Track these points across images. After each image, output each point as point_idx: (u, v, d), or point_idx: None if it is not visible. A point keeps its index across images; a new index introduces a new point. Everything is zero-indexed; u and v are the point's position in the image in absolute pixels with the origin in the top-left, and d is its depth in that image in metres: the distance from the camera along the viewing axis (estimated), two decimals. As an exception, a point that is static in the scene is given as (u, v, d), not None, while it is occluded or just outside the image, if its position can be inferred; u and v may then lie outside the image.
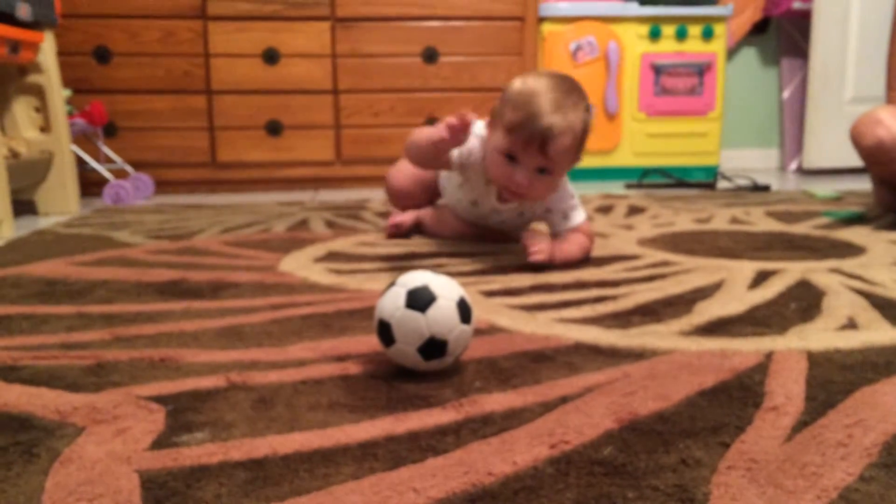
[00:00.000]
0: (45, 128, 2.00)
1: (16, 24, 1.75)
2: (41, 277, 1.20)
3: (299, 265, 1.28)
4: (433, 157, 1.26)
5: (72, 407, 0.67)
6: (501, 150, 1.20)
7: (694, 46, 2.66)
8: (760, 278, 1.15)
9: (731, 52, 3.07)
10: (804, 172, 2.95)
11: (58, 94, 1.98)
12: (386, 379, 0.74)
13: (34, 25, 1.86)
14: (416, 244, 1.45)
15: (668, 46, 2.65)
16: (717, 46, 2.67)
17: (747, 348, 0.82)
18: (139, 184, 2.29)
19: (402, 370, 0.76)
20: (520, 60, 2.55)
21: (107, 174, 2.21)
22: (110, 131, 2.36)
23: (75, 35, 2.30)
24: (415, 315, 0.72)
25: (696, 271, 1.21)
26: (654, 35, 2.62)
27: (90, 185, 2.27)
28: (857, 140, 1.64)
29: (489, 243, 1.43)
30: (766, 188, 2.36)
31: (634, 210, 1.92)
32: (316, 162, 2.51)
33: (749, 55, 3.12)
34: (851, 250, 1.36)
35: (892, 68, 1.71)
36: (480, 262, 1.28)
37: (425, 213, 1.54)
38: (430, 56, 2.49)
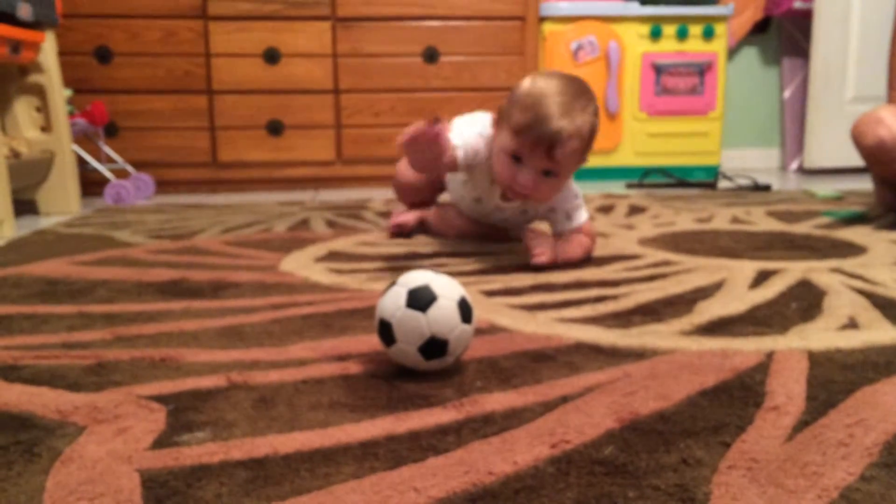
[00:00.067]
0: (46, 127, 2.00)
1: (17, 24, 1.76)
2: (42, 277, 1.20)
3: (300, 265, 1.28)
4: (431, 165, 1.24)
5: (73, 406, 0.67)
6: (508, 150, 1.19)
7: (695, 46, 2.65)
8: (761, 278, 1.15)
9: (732, 52, 3.07)
10: (805, 172, 2.95)
11: (59, 94, 1.98)
12: (387, 378, 0.74)
13: (35, 25, 1.86)
14: (417, 244, 1.45)
15: (668, 46, 2.64)
16: (718, 46, 2.67)
17: (748, 348, 0.82)
18: (140, 184, 2.30)
19: (402, 370, 0.76)
20: (520, 60, 2.55)
21: (108, 174, 2.21)
22: (111, 131, 2.37)
23: (76, 35, 2.31)
24: (415, 315, 0.72)
25: (697, 271, 1.20)
26: (655, 35, 2.62)
27: (91, 184, 2.27)
28: (858, 139, 1.64)
29: (491, 243, 1.44)
30: (766, 188, 2.36)
31: (635, 210, 1.92)
32: (317, 162, 2.51)
33: (750, 55, 3.12)
34: (852, 250, 1.36)
35: (893, 68, 1.70)
36: (481, 262, 1.28)
37: (428, 213, 1.54)
38: (431, 56, 2.49)
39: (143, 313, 0.99)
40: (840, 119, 2.76)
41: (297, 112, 2.45)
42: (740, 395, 0.69)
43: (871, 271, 1.18)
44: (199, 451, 0.59)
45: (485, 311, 0.96)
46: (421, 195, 1.56)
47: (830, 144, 2.84)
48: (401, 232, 1.52)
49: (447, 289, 0.74)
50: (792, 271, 1.19)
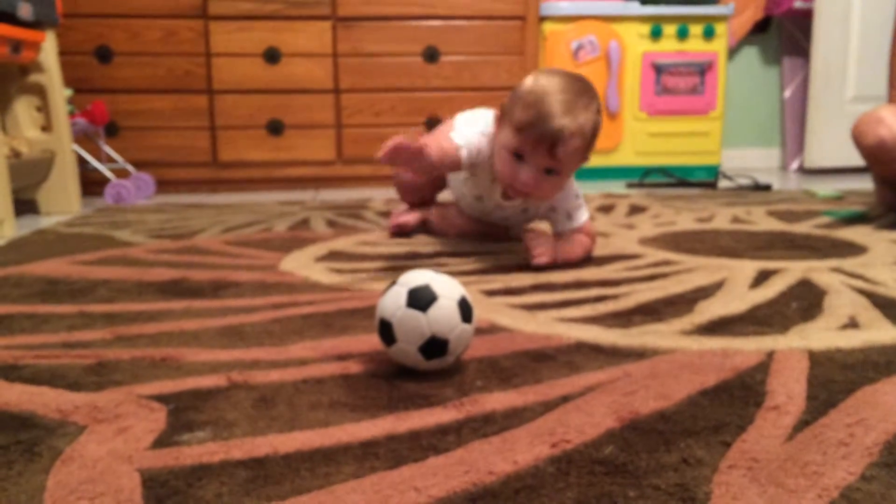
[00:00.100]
0: (46, 127, 2.00)
1: (17, 23, 1.76)
2: (43, 277, 1.20)
3: (300, 264, 1.28)
4: (432, 171, 1.24)
5: (73, 406, 0.67)
6: (509, 148, 1.18)
7: (695, 46, 2.65)
8: (762, 277, 1.15)
9: (733, 52, 3.07)
10: (805, 172, 2.95)
11: (59, 94, 1.98)
12: (387, 378, 0.74)
13: (36, 25, 1.86)
14: (418, 243, 1.45)
15: (669, 46, 2.64)
16: (719, 46, 2.67)
17: (748, 347, 0.82)
18: (140, 183, 2.30)
19: (403, 369, 0.76)
20: (521, 60, 2.55)
21: (108, 173, 2.21)
22: (112, 131, 2.37)
23: (77, 34, 2.31)
24: (416, 314, 0.72)
25: (698, 270, 1.20)
26: (656, 34, 2.62)
27: (91, 184, 2.27)
28: (858, 139, 1.64)
29: (491, 242, 1.44)
30: (767, 187, 2.36)
31: (636, 209, 1.92)
32: (317, 161, 2.51)
33: (750, 54, 3.12)
34: (853, 250, 1.36)
35: (894, 67, 1.70)
36: (481, 262, 1.28)
37: (429, 213, 1.55)
38: (432, 55, 2.49)
39: (144, 313, 0.99)
40: (840, 119, 2.76)
41: (297, 112, 2.45)
42: (741, 395, 0.69)
43: (871, 271, 1.18)
44: (200, 450, 0.59)
45: (485, 311, 0.96)
46: (422, 193, 1.57)
47: (831, 144, 2.84)
48: (401, 231, 1.52)
49: (447, 288, 0.74)
50: (792, 271, 1.19)
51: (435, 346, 0.72)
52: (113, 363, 0.79)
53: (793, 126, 3.10)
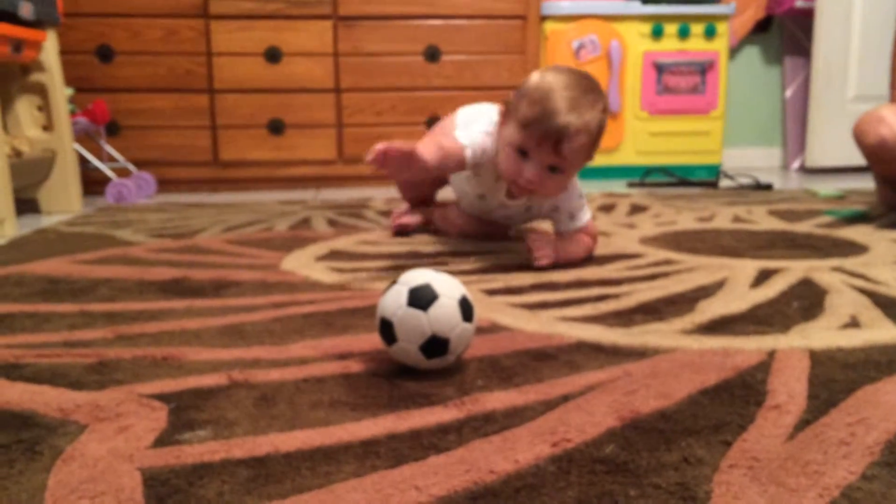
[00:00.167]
0: (47, 126, 2.00)
1: (18, 22, 1.76)
2: (44, 276, 1.20)
3: (301, 264, 1.28)
4: (434, 172, 1.22)
5: (74, 405, 0.67)
6: (514, 144, 1.17)
7: (696, 45, 2.65)
8: (763, 277, 1.15)
9: (734, 51, 3.06)
10: (807, 171, 2.95)
11: (60, 93, 1.98)
12: (388, 377, 0.74)
13: (37, 24, 1.86)
14: (419, 243, 1.45)
15: (670, 45, 2.64)
16: (720, 45, 2.67)
17: (749, 347, 0.82)
18: (141, 182, 2.30)
19: (403, 368, 0.76)
20: (522, 59, 2.54)
21: (109, 173, 2.21)
22: (113, 130, 2.37)
23: (78, 34, 2.31)
24: (417, 313, 0.72)
25: (699, 270, 1.20)
26: (657, 33, 2.62)
27: (93, 183, 2.27)
28: (859, 138, 1.64)
29: (492, 242, 1.43)
30: (768, 187, 2.35)
31: (637, 209, 1.92)
32: (318, 161, 2.51)
33: (751, 54, 3.11)
34: (854, 249, 1.36)
35: None
36: (482, 261, 1.28)
37: (430, 213, 1.54)
38: (433, 55, 2.49)
39: (145, 312, 0.99)
40: (842, 118, 2.76)
41: (298, 111, 2.46)
42: (741, 394, 0.69)
43: (872, 270, 1.18)
44: (201, 449, 0.59)
45: (486, 310, 0.96)
46: (422, 190, 1.56)
47: (832, 143, 2.83)
48: (402, 231, 1.52)
49: (448, 287, 0.74)
50: (793, 270, 1.19)
51: (436, 345, 0.72)
52: (114, 362, 0.79)
53: (794, 125, 3.09)
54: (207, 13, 2.36)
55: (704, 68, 2.67)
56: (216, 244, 1.47)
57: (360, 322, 0.93)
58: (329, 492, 0.52)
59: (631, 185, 2.48)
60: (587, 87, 1.16)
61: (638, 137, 2.69)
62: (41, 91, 1.97)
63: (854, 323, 0.90)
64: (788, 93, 3.10)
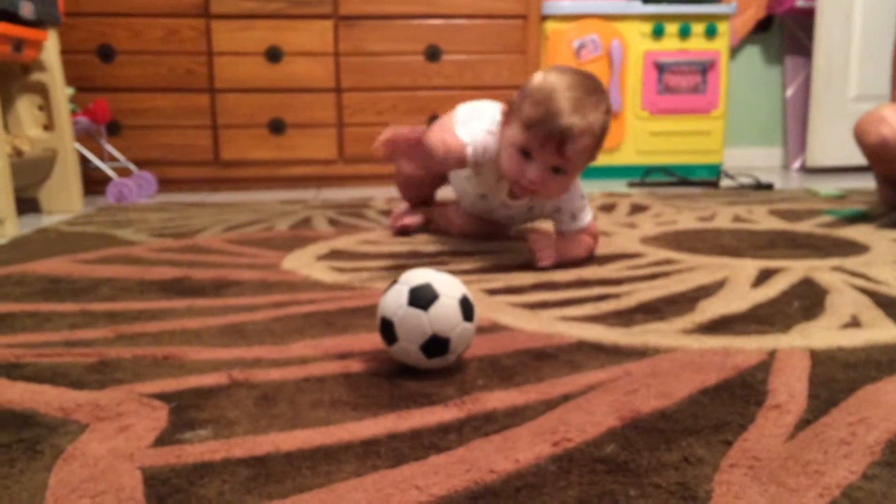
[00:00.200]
0: (48, 126, 2.00)
1: (19, 22, 1.76)
2: (45, 275, 1.20)
3: (302, 263, 1.28)
4: (436, 166, 1.22)
5: (75, 404, 0.67)
6: (517, 145, 1.16)
7: (697, 44, 2.65)
8: (763, 276, 1.15)
9: (735, 50, 3.06)
10: (807, 171, 2.95)
11: (61, 93, 1.98)
12: (388, 377, 0.74)
13: (38, 24, 1.86)
14: (419, 242, 1.45)
15: (671, 44, 2.64)
16: (721, 44, 2.66)
17: (750, 346, 0.82)
18: (142, 182, 2.30)
19: (404, 368, 0.76)
20: (523, 59, 2.54)
21: (110, 172, 2.21)
22: (113, 129, 2.37)
23: (79, 33, 2.31)
24: (417, 313, 0.72)
25: (699, 269, 1.20)
26: (658, 33, 2.62)
27: (93, 183, 2.27)
28: (860, 138, 1.64)
29: (492, 241, 1.43)
30: (769, 186, 2.35)
31: (637, 208, 1.92)
32: (319, 160, 2.51)
33: (752, 53, 3.11)
34: (855, 248, 1.36)
35: (897, 66, 1.70)
36: (483, 261, 1.28)
37: (430, 213, 1.54)
38: (433, 54, 2.49)
39: (146, 311, 0.99)
40: (842, 118, 2.76)
41: (299, 110, 2.46)
42: (742, 394, 0.69)
43: (873, 270, 1.18)
44: (201, 448, 0.59)
45: (486, 310, 0.96)
46: (422, 189, 1.56)
47: (833, 143, 2.83)
48: (404, 231, 1.52)
49: (449, 287, 0.74)
50: (794, 270, 1.19)
51: (436, 344, 0.72)
52: (115, 361, 0.79)
53: (795, 125, 3.09)
54: (208, 13, 2.36)
55: (705, 68, 2.67)
56: (217, 244, 1.47)
57: (360, 322, 0.93)
58: (330, 491, 0.52)
59: (631, 184, 2.48)
60: (591, 88, 1.15)
61: (638, 137, 2.69)
62: (42, 90, 1.98)
63: (855, 322, 0.90)
64: (789, 92, 3.10)
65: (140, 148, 2.39)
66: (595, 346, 0.83)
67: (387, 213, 1.83)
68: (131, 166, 2.33)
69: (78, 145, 2.10)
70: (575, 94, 1.12)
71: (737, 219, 1.72)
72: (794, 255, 1.31)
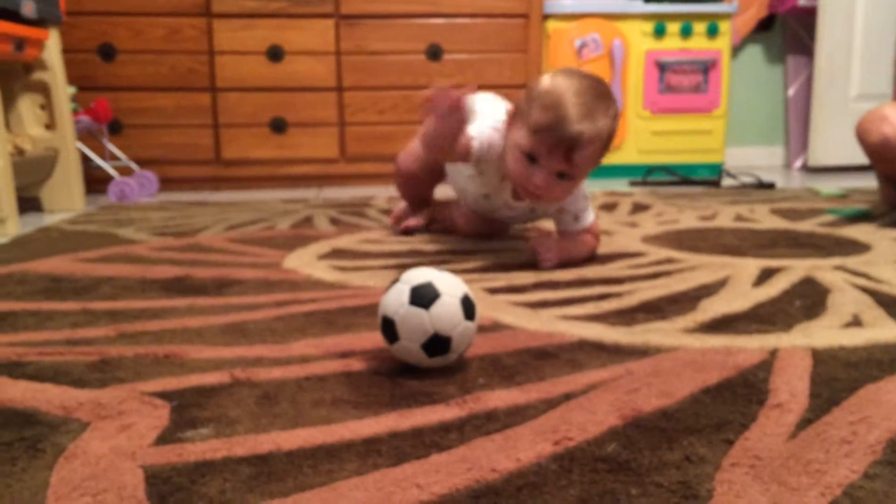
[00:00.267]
0: (50, 125, 2.00)
1: (21, 21, 1.76)
2: (46, 274, 1.20)
3: (303, 262, 1.28)
4: (447, 147, 1.21)
5: (77, 403, 0.68)
6: (523, 149, 1.14)
7: (699, 44, 2.65)
8: (765, 276, 1.15)
9: (736, 50, 3.06)
10: (809, 170, 2.95)
11: (63, 92, 1.98)
12: (389, 375, 0.74)
13: (39, 23, 1.86)
14: (420, 241, 1.45)
15: (672, 44, 2.64)
16: (722, 44, 2.66)
17: (752, 345, 0.82)
18: (144, 181, 2.30)
19: (405, 367, 0.76)
20: (524, 58, 2.54)
21: (112, 171, 2.21)
22: (115, 128, 2.37)
23: (80, 32, 2.31)
24: (418, 312, 0.72)
25: (701, 268, 1.20)
26: (659, 32, 2.62)
27: (95, 182, 2.27)
28: (862, 137, 1.63)
29: (493, 240, 1.43)
30: (770, 186, 2.35)
31: (639, 207, 1.92)
32: (320, 159, 2.51)
33: (754, 52, 3.11)
34: (856, 248, 1.36)
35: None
36: (484, 260, 1.28)
37: (431, 212, 1.54)
38: (435, 53, 2.49)
39: (147, 310, 0.99)
40: (844, 117, 2.75)
41: (300, 110, 2.46)
42: (743, 393, 0.69)
43: (875, 269, 1.18)
44: (203, 447, 0.59)
45: (488, 309, 0.96)
46: (421, 188, 1.55)
47: (834, 142, 2.83)
48: (408, 232, 1.52)
49: (450, 286, 0.74)
50: (796, 269, 1.18)
51: (437, 343, 0.72)
52: (116, 360, 0.79)
53: (796, 124, 3.09)
54: (210, 12, 2.36)
55: (707, 67, 2.66)
56: (218, 243, 1.47)
57: (361, 320, 0.93)
58: (331, 490, 0.52)
59: (633, 183, 2.47)
60: (600, 93, 1.13)
61: (640, 136, 2.69)
62: (44, 89, 1.98)
63: (856, 322, 0.90)
64: (791, 91, 3.09)
65: (141, 147, 2.39)
66: (596, 345, 0.83)
67: (388, 212, 1.83)
68: (133, 165, 2.33)
69: (79, 144, 2.10)
70: (584, 100, 1.10)
71: (738, 218, 1.72)
72: (796, 254, 1.31)
